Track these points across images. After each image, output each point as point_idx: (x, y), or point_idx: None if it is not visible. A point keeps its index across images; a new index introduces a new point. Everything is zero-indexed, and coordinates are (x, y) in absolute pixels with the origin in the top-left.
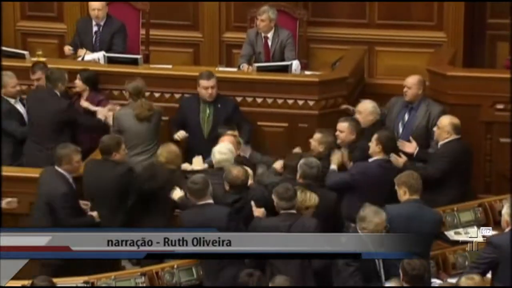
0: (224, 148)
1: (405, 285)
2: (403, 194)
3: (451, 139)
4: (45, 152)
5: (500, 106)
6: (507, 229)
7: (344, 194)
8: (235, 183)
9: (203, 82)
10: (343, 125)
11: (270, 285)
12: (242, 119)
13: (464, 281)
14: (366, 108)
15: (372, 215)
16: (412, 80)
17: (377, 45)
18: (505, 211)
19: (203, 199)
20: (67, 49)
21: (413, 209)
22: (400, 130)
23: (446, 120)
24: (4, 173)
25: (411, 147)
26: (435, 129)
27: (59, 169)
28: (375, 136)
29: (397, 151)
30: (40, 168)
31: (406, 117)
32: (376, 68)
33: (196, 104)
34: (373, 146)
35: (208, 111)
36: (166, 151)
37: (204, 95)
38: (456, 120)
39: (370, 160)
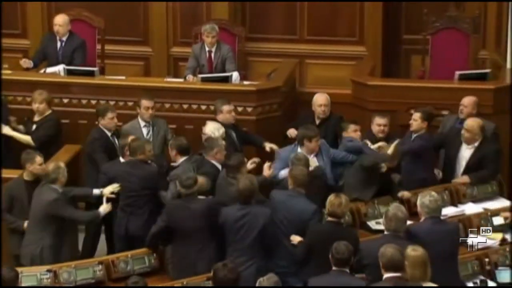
0: (216, 124)
1: (334, 268)
2: (290, 184)
3: (482, 140)
4: None
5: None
6: (422, 219)
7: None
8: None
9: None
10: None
11: None
12: None
13: (409, 252)
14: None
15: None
16: (468, 101)
17: (307, 58)
18: (418, 203)
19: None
20: (24, 62)
21: (285, 197)
22: None
23: (475, 123)
24: None
25: (465, 179)
26: (462, 131)
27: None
28: (418, 115)
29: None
30: None
31: None
32: (306, 78)
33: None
34: (419, 123)
35: None
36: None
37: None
38: (481, 122)
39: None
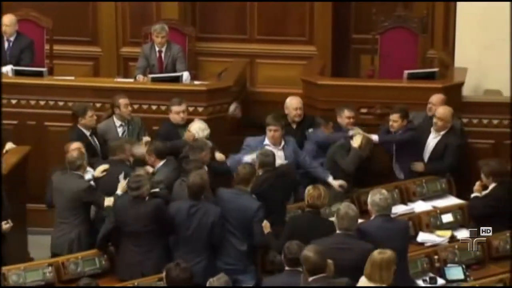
0: (203, 124)
1: (286, 268)
2: (235, 181)
3: (450, 128)
4: None
5: (364, 110)
6: (372, 217)
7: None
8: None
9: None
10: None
11: None
12: None
13: (376, 254)
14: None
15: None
16: (436, 99)
17: (257, 57)
18: (369, 201)
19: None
20: None
21: (230, 196)
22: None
23: (447, 111)
24: None
25: (419, 166)
26: (435, 120)
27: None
28: (396, 116)
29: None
30: None
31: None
32: (257, 78)
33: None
34: (400, 123)
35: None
36: None
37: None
38: (451, 109)
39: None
